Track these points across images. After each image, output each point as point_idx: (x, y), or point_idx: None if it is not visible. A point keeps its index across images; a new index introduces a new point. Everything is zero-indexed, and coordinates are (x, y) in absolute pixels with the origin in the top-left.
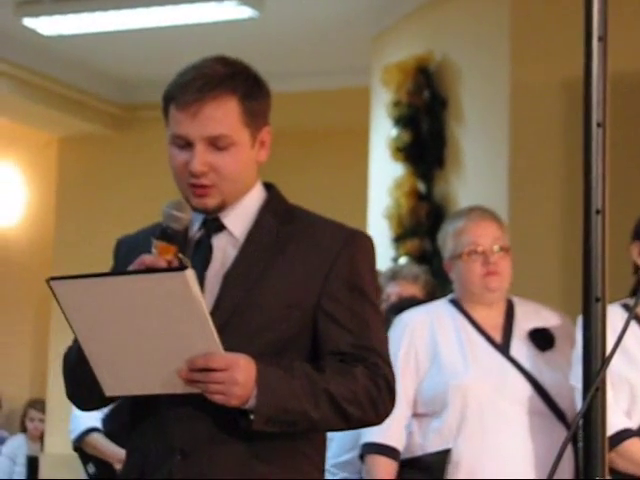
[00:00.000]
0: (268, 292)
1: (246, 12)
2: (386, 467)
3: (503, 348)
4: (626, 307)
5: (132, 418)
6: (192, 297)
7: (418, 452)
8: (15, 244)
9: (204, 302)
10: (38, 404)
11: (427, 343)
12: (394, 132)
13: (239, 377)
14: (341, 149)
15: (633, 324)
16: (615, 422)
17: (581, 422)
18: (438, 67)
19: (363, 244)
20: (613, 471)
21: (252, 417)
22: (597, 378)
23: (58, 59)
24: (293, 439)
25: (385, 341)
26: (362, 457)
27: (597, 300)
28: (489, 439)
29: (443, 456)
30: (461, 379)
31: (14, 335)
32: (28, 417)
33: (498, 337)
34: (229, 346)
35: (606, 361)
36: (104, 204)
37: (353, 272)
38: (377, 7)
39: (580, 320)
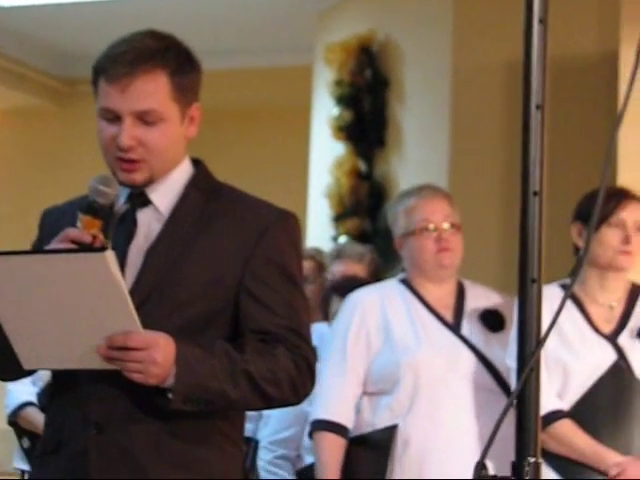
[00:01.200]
0: (190, 268)
1: None
2: (334, 444)
3: (454, 327)
4: (565, 287)
5: (51, 391)
6: (111, 278)
7: (368, 429)
8: None
9: (123, 282)
10: None
11: (378, 322)
12: (336, 111)
13: (158, 356)
14: (283, 127)
15: (570, 305)
16: (546, 403)
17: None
18: (381, 47)
19: (289, 224)
20: (544, 452)
21: (170, 396)
22: (531, 359)
23: (2, 30)
24: (211, 417)
25: (307, 321)
26: (311, 434)
27: (533, 281)
28: (439, 415)
29: (390, 432)
30: (413, 356)
31: None
32: None
33: (449, 316)
34: (149, 321)
35: (541, 342)
36: (43, 177)
37: (277, 252)
38: None
39: (516, 301)
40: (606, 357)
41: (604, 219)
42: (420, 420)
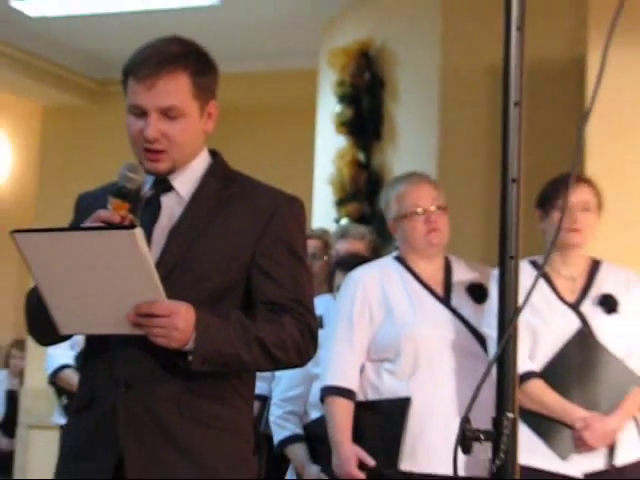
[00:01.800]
0: (208, 246)
1: (208, 1)
2: (345, 407)
3: (445, 300)
4: (533, 263)
5: (85, 355)
6: (140, 252)
7: (374, 393)
8: (2, 201)
9: (150, 256)
10: (19, 344)
11: (379, 297)
12: (338, 108)
13: (179, 323)
14: (292, 123)
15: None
16: (520, 365)
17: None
18: (378, 52)
19: (295, 208)
20: (522, 409)
21: (190, 358)
22: (510, 326)
23: (42, 38)
24: (226, 377)
25: (311, 293)
26: (322, 399)
27: (511, 258)
28: (437, 379)
29: (403, 403)
30: (411, 330)
31: (1, 283)
32: (11, 355)
33: (440, 290)
34: (172, 292)
35: (517, 311)
36: (80, 166)
37: (285, 231)
38: None
39: (496, 275)
40: (571, 323)
41: (552, 203)
42: (420, 384)
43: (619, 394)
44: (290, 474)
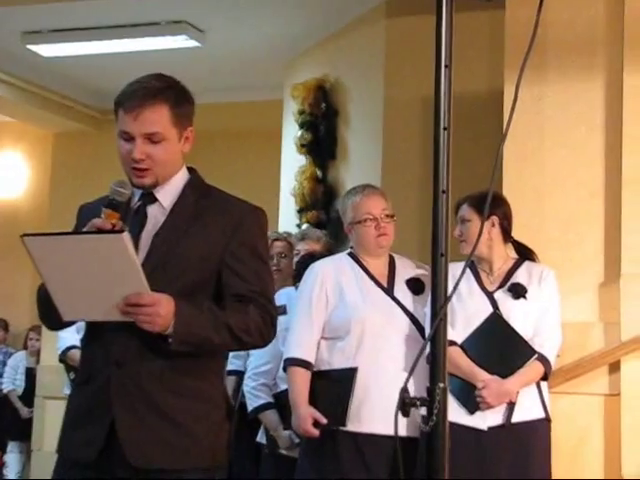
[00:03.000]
0: (186, 248)
1: (192, 43)
2: (303, 375)
3: (389, 291)
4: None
5: (85, 338)
6: (127, 253)
7: (325, 366)
8: (20, 212)
9: (137, 256)
10: (37, 328)
11: (334, 285)
12: (299, 133)
13: (161, 311)
14: (261, 146)
15: (469, 272)
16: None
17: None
18: (332, 86)
19: (258, 216)
20: None
21: (170, 340)
22: (441, 311)
23: (54, 74)
24: (201, 356)
25: (271, 287)
26: (285, 369)
27: (442, 255)
28: (379, 356)
29: (351, 372)
30: (360, 314)
31: (19, 278)
32: (29, 338)
33: (385, 282)
34: (156, 286)
35: (447, 299)
36: (85, 182)
37: (250, 237)
38: (288, 41)
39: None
40: (483, 306)
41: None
42: (365, 359)
43: (513, 361)
44: (260, 436)
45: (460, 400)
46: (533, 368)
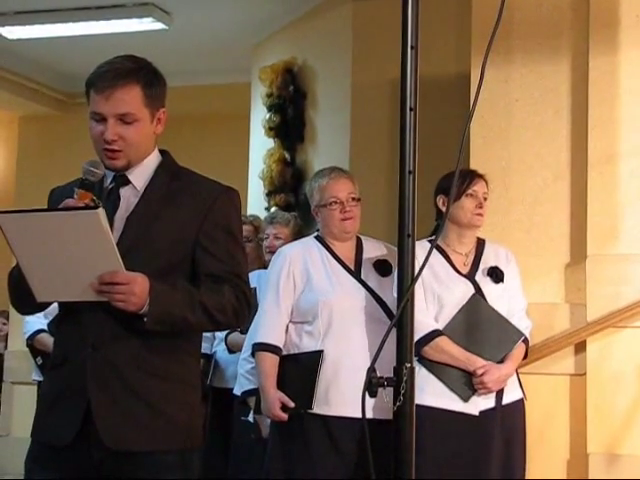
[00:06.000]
0: (160, 229)
1: (159, 25)
2: (270, 360)
3: (356, 274)
4: (431, 242)
5: (59, 319)
6: (102, 229)
7: (294, 349)
8: None
9: (111, 233)
10: (4, 313)
11: (302, 269)
12: (267, 116)
13: (136, 289)
14: (230, 129)
15: (437, 254)
16: (428, 324)
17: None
18: (300, 69)
19: (231, 196)
20: (429, 362)
21: (145, 319)
22: (407, 293)
23: (19, 57)
24: (176, 337)
25: (245, 268)
26: (253, 354)
27: (408, 236)
28: (347, 338)
29: (318, 355)
30: (327, 297)
31: None
32: None
33: (352, 265)
34: (131, 267)
35: (414, 280)
36: (52, 166)
37: (223, 217)
38: (256, 24)
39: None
40: (467, 290)
41: (463, 192)
42: (333, 342)
43: (505, 345)
44: (251, 417)
45: (451, 388)
46: (520, 350)
